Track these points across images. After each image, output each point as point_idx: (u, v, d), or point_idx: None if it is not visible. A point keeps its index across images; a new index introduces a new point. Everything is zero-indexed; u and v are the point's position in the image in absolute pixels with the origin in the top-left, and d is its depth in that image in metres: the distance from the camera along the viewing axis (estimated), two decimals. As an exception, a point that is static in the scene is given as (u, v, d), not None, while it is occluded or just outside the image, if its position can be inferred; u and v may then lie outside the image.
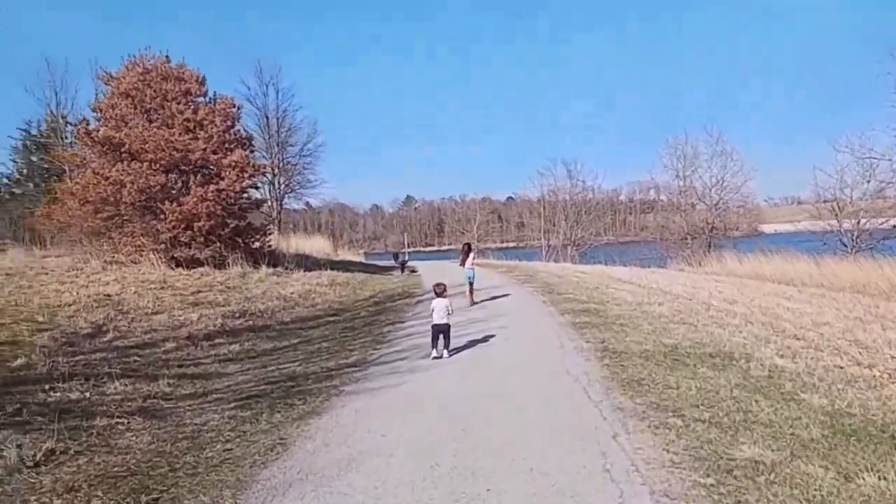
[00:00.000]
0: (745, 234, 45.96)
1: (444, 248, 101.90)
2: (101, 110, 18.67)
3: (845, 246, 34.51)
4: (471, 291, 14.49)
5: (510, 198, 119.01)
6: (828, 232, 35.63)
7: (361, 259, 36.25)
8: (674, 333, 10.01)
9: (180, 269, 16.90)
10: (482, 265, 30.99)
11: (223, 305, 12.24)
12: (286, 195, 42.96)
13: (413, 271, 26.81)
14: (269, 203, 41.75)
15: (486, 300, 14.71)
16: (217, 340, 9.64)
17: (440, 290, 9.16)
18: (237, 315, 11.49)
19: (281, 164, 41.45)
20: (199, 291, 13.59)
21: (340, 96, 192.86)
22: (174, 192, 17.53)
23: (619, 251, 50.95)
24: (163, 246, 17.34)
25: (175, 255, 17.32)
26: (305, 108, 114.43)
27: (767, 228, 56.09)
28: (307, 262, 24.41)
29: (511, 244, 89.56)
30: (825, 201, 36.45)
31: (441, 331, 8.77)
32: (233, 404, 6.61)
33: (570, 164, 55.85)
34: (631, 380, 7.17)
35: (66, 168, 20.89)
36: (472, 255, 15.04)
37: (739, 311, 12.59)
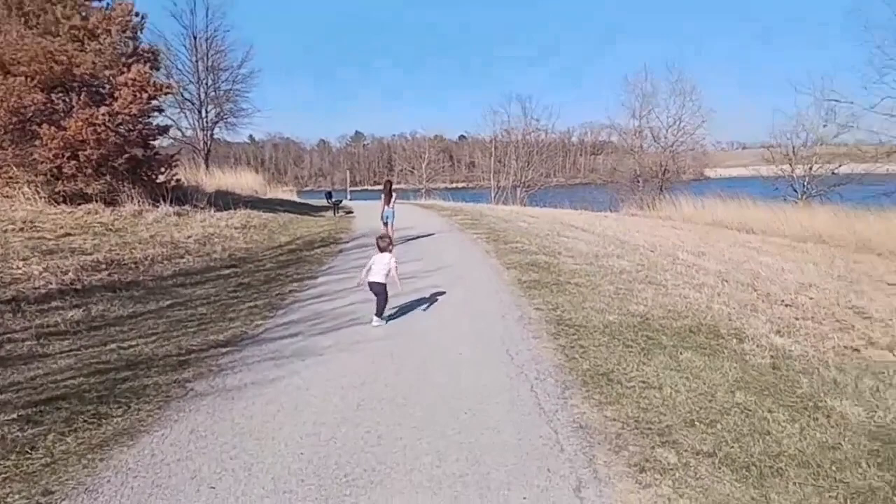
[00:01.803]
0: (692, 178, 44.77)
1: (392, 186, 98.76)
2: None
3: (795, 192, 33.83)
4: (390, 231, 13.50)
5: (462, 136, 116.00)
6: (779, 177, 34.86)
7: (294, 197, 33.44)
8: (641, 297, 8.17)
9: (63, 207, 14.12)
10: (427, 206, 28.83)
11: (89, 253, 9.75)
12: (215, 125, 39.41)
13: (348, 212, 24.39)
14: (195, 133, 38.27)
15: (421, 251, 12.57)
16: (54, 304, 7.28)
17: (384, 245, 7.31)
18: (101, 266, 9.06)
19: (208, 91, 37.71)
20: (68, 234, 11.03)
21: (284, 20, 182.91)
22: (56, 114, 14.52)
23: (569, 194, 49.63)
24: (42, 178, 14.46)
25: (58, 190, 14.48)
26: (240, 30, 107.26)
27: (712, 173, 55.44)
28: (227, 200, 21.68)
29: (461, 184, 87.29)
30: (776, 146, 35.50)
31: (376, 291, 7.09)
32: (16, 414, 4.40)
33: (525, 100, 53.52)
34: (595, 372, 5.25)
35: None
36: (394, 195, 14.49)
37: (711, 268, 10.87)
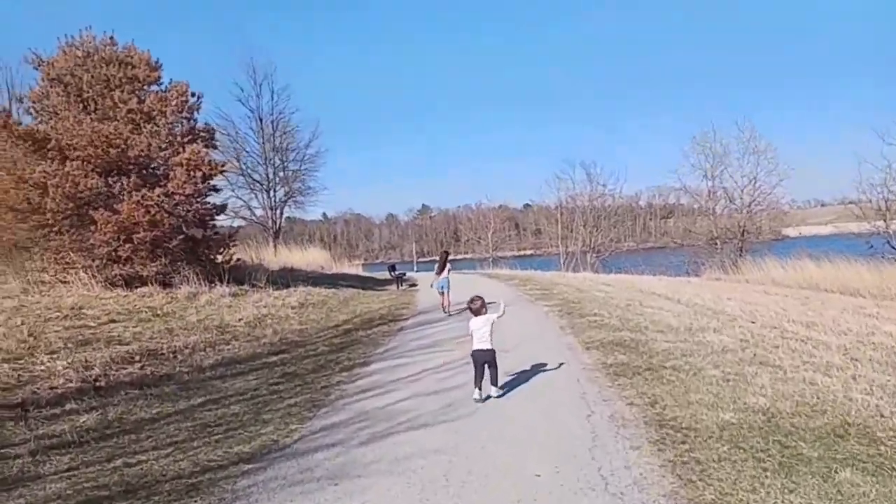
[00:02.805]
0: (770, 238, 41.98)
1: (459, 256, 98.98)
2: (32, 101, 15.69)
3: (894, 249, 30.87)
4: (446, 301, 14.20)
5: (527, 205, 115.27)
6: (873, 234, 32.03)
7: (359, 271, 33.02)
8: (756, 384, 6.63)
9: (118, 291, 13.78)
10: (494, 276, 27.68)
11: (126, 343, 9.05)
12: (285, 204, 40.04)
13: (412, 285, 23.51)
14: (264, 212, 38.91)
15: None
16: (69, 406, 6.44)
17: (476, 307, 6.77)
18: (135, 358, 8.29)
19: (276, 171, 38.51)
20: (112, 321, 10.45)
21: (347, 101, 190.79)
22: (112, 198, 14.43)
23: (642, 258, 47.63)
24: (98, 262, 14.24)
25: (114, 274, 14.21)
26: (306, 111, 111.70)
27: (791, 232, 52.24)
28: (290, 277, 21.24)
29: (528, 252, 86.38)
30: (863, 200, 32.82)
31: (485, 360, 6.56)
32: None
33: (588, 166, 52.50)
34: (725, 509, 3.83)
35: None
36: (448, 265, 14.87)
37: (831, 342, 9.13)
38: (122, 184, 14.36)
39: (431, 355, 9.02)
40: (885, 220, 31.98)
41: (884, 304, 15.69)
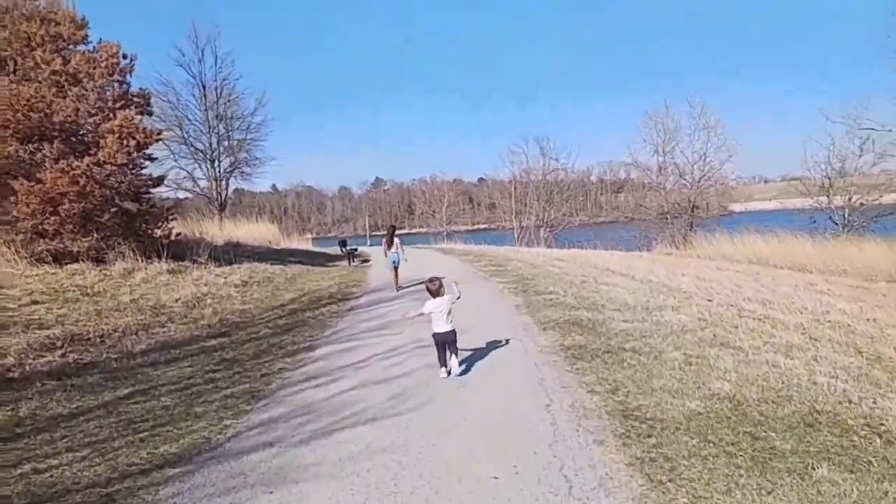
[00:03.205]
0: (717, 213, 42.74)
1: (413, 231, 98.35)
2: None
3: (836, 224, 31.71)
4: (396, 277, 14.09)
5: (481, 179, 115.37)
6: (816, 209, 32.85)
7: (309, 247, 32.08)
8: (720, 368, 6.40)
9: (46, 268, 12.76)
10: (448, 251, 27.27)
11: (48, 327, 8.25)
12: (230, 175, 38.58)
13: (364, 261, 22.88)
14: (209, 184, 37.42)
15: None
16: (-28, 401, 5.75)
17: (434, 288, 6.68)
18: (57, 344, 7.53)
19: (220, 141, 36.96)
20: (35, 302, 9.57)
21: (296, 70, 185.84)
22: (35, 166, 13.29)
23: (594, 232, 47.90)
24: (22, 237, 13.17)
25: (40, 249, 13.16)
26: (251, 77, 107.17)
27: (737, 207, 53.58)
28: (235, 253, 20.35)
29: (482, 226, 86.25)
30: (805, 178, 33.59)
31: (446, 340, 6.54)
32: None
33: (542, 140, 52.32)
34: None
35: None
36: (396, 240, 14.41)
37: (789, 321, 9.04)
38: (45, 151, 13.24)
39: (382, 338, 8.53)
40: (827, 196, 32.80)
41: (832, 279, 15.93)
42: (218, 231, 26.11)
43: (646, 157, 40.67)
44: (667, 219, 39.22)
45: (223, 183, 38.20)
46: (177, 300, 10.96)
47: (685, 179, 39.57)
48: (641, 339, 7.85)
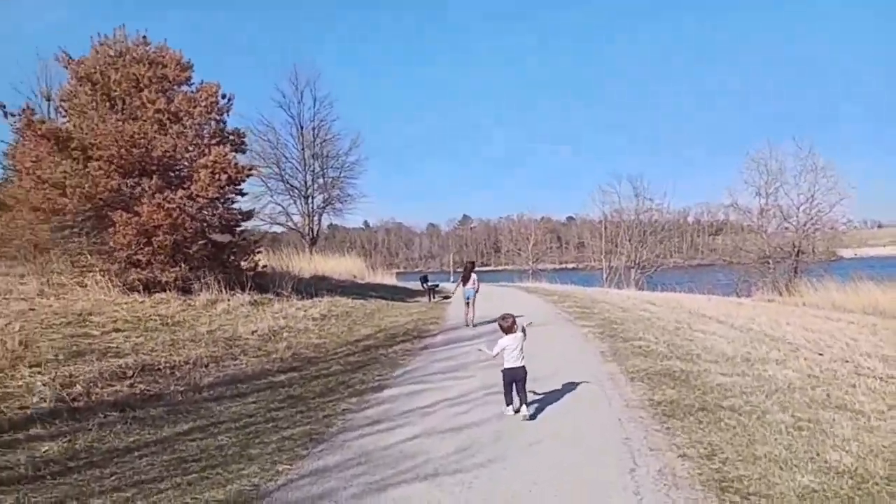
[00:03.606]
0: (823, 259, 39.81)
1: (499, 268, 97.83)
2: (61, 99, 15.41)
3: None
4: (468, 311, 13.95)
5: (570, 217, 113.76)
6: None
7: (393, 281, 32.16)
8: (835, 434, 5.54)
9: (136, 296, 13.23)
10: (532, 290, 26.59)
11: (124, 355, 8.32)
12: (323, 211, 39.70)
13: (445, 297, 22.55)
14: (302, 219, 38.60)
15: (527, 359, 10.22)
16: (33, 431, 5.68)
17: (507, 325, 6.51)
18: (128, 373, 7.54)
19: (315, 178, 38.17)
20: (117, 330, 9.78)
21: (393, 114, 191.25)
22: (133, 199, 13.91)
23: (689, 276, 46.01)
24: (117, 266, 13.73)
25: (132, 278, 13.67)
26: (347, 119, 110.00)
27: (847, 253, 49.93)
28: (320, 286, 20.57)
29: (570, 265, 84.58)
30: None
31: (515, 378, 6.36)
32: None
33: (635, 180, 50.83)
34: None
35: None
36: (473, 276, 14.34)
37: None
38: (144, 185, 13.82)
39: (452, 381, 8.05)
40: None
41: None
42: (306, 265, 26.66)
43: (747, 199, 38.66)
44: (768, 263, 37.00)
45: (315, 218, 39.40)
46: (253, 332, 10.96)
47: (789, 222, 37.31)
48: (741, 395, 6.98)
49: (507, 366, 6.36)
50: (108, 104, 14.92)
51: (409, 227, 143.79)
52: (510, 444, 5.46)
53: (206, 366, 8.64)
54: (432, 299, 21.31)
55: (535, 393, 6.95)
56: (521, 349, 6.41)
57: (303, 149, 37.91)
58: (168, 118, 14.84)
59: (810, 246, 36.81)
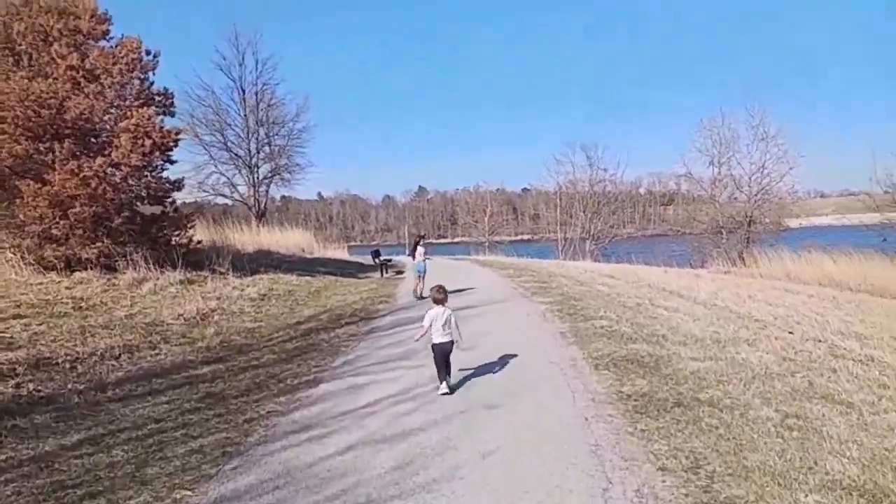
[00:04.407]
0: (774, 229, 40.31)
1: (456, 240, 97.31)
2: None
3: (914, 242, 29.07)
4: (418, 284, 14.14)
5: (525, 189, 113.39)
6: (885, 225, 30.31)
7: (345, 255, 30.91)
8: (830, 434, 4.87)
9: (53, 276, 11.90)
10: (487, 264, 25.85)
11: (17, 347, 7.16)
12: (271, 181, 38.02)
13: (399, 272, 21.59)
14: (248, 190, 36.90)
15: (467, 333, 9.33)
16: None
17: (440, 297, 6.58)
18: (15, 371, 6.41)
19: (259, 146, 36.40)
20: (19, 316, 8.53)
21: (340, 78, 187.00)
22: (44, 166, 12.43)
23: (643, 246, 45.96)
24: (29, 242, 12.31)
25: (46, 255, 12.27)
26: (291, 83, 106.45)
27: (793, 223, 51.00)
28: (264, 262, 19.35)
29: (525, 237, 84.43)
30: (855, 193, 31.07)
31: (445, 351, 6.35)
32: None
33: (589, 148, 50.39)
34: None
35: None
36: (419, 248, 14.86)
37: (902, 366, 7.32)
38: (56, 151, 12.36)
39: (398, 372, 7.17)
40: (904, 211, 30.28)
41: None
42: (249, 238, 25.28)
43: (700, 168, 38.59)
44: (721, 233, 37.13)
45: (262, 189, 37.70)
46: (179, 316, 9.85)
47: (742, 192, 37.44)
48: (718, 385, 6.28)
49: (435, 341, 6.32)
50: (11, 59, 13.33)
51: (364, 198, 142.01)
52: (460, 456, 4.60)
53: (118, 357, 7.54)
54: (384, 274, 20.31)
55: (488, 407, 6.11)
56: (449, 324, 6.37)
57: (246, 115, 36.05)
58: (83, 76, 13.30)
59: (762, 216, 37.04)
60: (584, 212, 50.01)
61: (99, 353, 7.47)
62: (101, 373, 6.95)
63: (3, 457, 4.73)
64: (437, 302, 6.49)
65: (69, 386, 6.41)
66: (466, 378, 6.81)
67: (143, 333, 8.66)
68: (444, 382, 6.24)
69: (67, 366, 6.96)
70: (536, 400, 5.93)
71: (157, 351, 8.12)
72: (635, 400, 5.85)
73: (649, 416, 5.39)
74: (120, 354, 7.62)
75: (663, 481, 4.09)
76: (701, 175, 39.21)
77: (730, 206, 37.91)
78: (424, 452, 4.69)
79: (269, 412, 5.83)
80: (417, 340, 6.70)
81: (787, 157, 34.49)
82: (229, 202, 38.71)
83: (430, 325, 6.39)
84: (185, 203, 25.98)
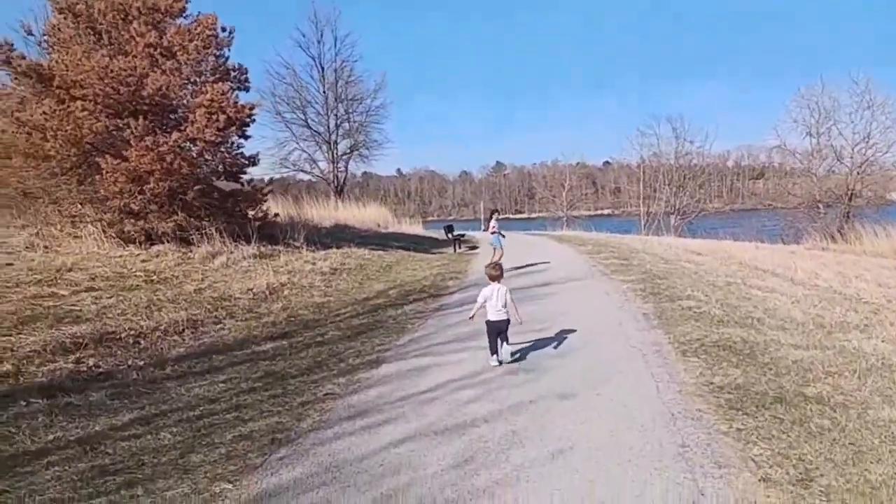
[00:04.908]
0: (876, 203, 37.23)
1: (533, 215, 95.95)
2: (45, 34, 14.08)
3: None
4: (495, 255, 13.46)
5: (606, 162, 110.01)
6: None
7: (419, 230, 30.67)
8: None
9: (132, 248, 12.19)
10: (565, 239, 25.02)
11: (85, 320, 7.18)
12: (350, 157, 38.31)
13: (472, 248, 21.12)
14: (328, 166, 37.31)
15: (540, 315, 8.71)
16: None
17: (495, 274, 6.52)
18: (79, 344, 6.39)
19: (339, 122, 36.65)
20: (92, 289, 8.65)
21: (421, 55, 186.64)
22: (123, 142, 12.65)
23: (731, 221, 43.64)
24: (109, 216, 12.61)
25: (126, 229, 12.55)
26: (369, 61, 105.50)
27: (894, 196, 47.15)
28: (339, 236, 19.37)
29: (605, 211, 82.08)
30: None
31: (499, 329, 6.29)
32: None
33: (675, 120, 48.05)
34: None
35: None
36: (492, 222, 14.54)
37: None
38: (133, 127, 12.53)
39: (464, 353, 6.72)
40: None
41: None
42: (327, 213, 25.46)
43: (796, 139, 36.07)
44: (818, 208, 34.69)
45: (341, 165, 38.06)
46: (248, 290, 9.76)
47: (843, 163, 34.75)
48: (827, 378, 5.49)
49: (490, 318, 6.28)
50: (93, 38, 13.57)
51: (442, 174, 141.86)
52: (528, 454, 4.10)
53: (181, 333, 7.45)
54: (457, 250, 19.91)
55: (562, 397, 5.58)
56: (505, 301, 6.28)
57: (325, 92, 36.34)
58: (160, 53, 13.44)
59: (866, 189, 34.33)
60: (668, 185, 47.97)
61: (163, 327, 7.40)
62: (162, 349, 6.86)
63: (51, 437, 4.60)
64: (493, 279, 6.42)
65: (129, 362, 6.33)
66: (538, 363, 6.27)
67: (209, 308, 8.59)
68: (495, 356, 6.27)
69: (131, 341, 6.91)
70: (616, 390, 5.34)
71: (221, 326, 8.01)
72: (728, 393, 5.16)
73: (746, 412, 4.71)
74: (184, 330, 7.53)
75: (767, 497, 3.45)
76: (796, 147, 36.64)
77: (827, 178, 35.37)
78: (487, 448, 4.22)
79: (326, 395, 5.50)
80: (472, 318, 6.50)
81: (896, 127, 31.74)
82: (311, 178, 39.37)
83: (485, 303, 6.32)
84: (271, 180, 26.42)
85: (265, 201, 15.46)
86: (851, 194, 33.75)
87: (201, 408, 5.23)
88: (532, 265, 14.66)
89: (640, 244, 21.51)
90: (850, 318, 8.14)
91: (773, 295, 9.85)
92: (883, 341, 6.88)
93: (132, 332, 7.07)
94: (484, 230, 15.26)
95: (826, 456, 3.93)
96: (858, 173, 33.92)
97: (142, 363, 6.33)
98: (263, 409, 5.17)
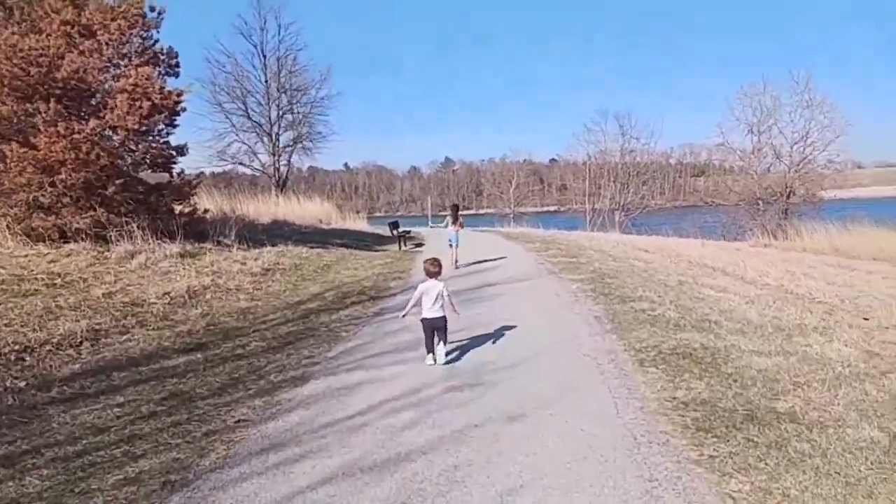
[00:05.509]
0: (811, 200, 38.36)
1: (481, 212, 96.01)
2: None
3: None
4: (453, 253, 13.65)
5: (553, 159, 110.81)
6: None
7: (363, 227, 29.73)
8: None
9: (41, 246, 11.01)
10: (514, 236, 24.59)
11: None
12: (293, 150, 36.94)
13: (418, 245, 20.40)
14: (268, 159, 35.89)
15: (486, 317, 8.11)
16: None
17: (434, 270, 6.30)
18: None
19: (281, 113, 35.28)
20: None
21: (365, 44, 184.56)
22: (33, 128, 11.43)
23: (674, 217, 44.41)
24: (15, 211, 11.39)
25: (34, 225, 11.34)
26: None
27: (827, 195, 49.10)
28: (276, 233, 18.39)
29: (552, 208, 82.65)
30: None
31: (435, 326, 6.05)
32: None
33: (622, 117, 48.49)
34: None
35: None
36: (460, 219, 14.24)
37: None
38: (43, 112, 11.33)
39: (402, 367, 6.02)
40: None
41: None
42: (266, 209, 24.33)
43: (737, 137, 36.72)
44: (758, 205, 35.38)
45: (283, 158, 36.68)
46: (165, 294, 8.79)
47: (782, 161, 35.56)
48: (796, 390, 5.03)
49: (425, 315, 6.07)
50: (2, 13, 12.32)
51: (389, 169, 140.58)
52: (471, 498, 3.44)
53: (78, 346, 6.49)
54: (403, 247, 19.15)
55: (510, 419, 4.95)
56: (441, 298, 6.10)
57: (267, 81, 34.90)
58: (78, 32, 12.27)
59: (804, 187, 35.22)
60: (613, 182, 48.49)
61: (56, 340, 6.42)
62: (51, 366, 5.90)
63: None
64: (430, 275, 6.26)
65: (7, 383, 5.37)
66: (483, 377, 5.62)
67: (117, 315, 7.62)
68: (431, 355, 6.08)
69: (13, 357, 5.93)
70: (570, 409, 4.73)
71: (128, 336, 7.08)
72: (694, 410, 4.63)
73: (716, 435, 4.18)
74: (81, 342, 6.57)
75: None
76: (737, 144, 37.39)
77: (766, 176, 36.16)
78: (423, 490, 3.53)
79: (237, 421, 4.71)
80: (404, 317, 6.40)
81: (834, 126, 32.59)
82: (252, 172, 37.85)
83: (420, 299, 6.14)
84: (212, 174, 25.00)
85: (194, 195, 14.38)
86: (790, 192, 34.55)
87: (85, 441, 4.38)
88: (478, 264, 14.10)
89: (587, 241, 21.21)
90: (807, 319, 7.80)
91: (726, 295, 9.50)
92: (845, 345, 6.53)
93: (16, 347, 6.08)
94: (444, 227, 14.77)
95: (812, 490, 3.41)
96: (796, 171, 34.72)
97: (22, 384, 5.39)
98: (160, 442, 4.35)
